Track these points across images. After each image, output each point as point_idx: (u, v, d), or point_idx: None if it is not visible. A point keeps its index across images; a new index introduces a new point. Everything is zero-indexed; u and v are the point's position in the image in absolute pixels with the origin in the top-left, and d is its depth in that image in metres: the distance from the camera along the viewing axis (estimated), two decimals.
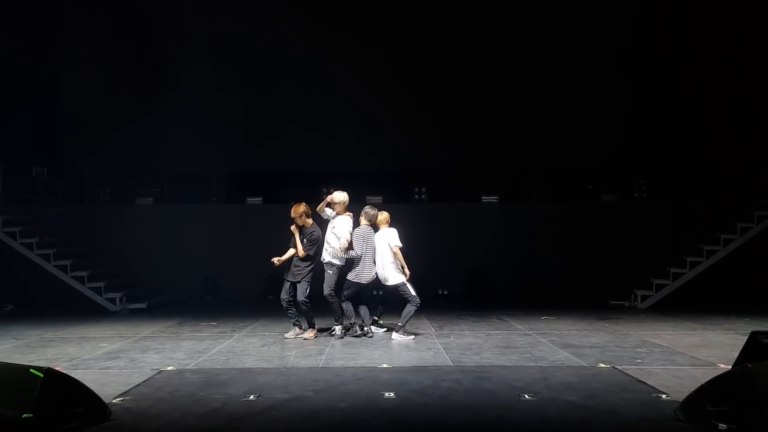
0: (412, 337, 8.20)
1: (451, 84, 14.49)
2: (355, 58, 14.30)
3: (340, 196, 8.32)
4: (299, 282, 8.16)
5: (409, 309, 8.14)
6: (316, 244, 8.20)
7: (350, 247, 8.18)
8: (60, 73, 14.96)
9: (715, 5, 13.61)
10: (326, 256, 8.23)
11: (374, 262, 8.22)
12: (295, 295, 8.20)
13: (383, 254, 8.22)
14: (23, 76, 13.35)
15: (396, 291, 8.27)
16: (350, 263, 8.24)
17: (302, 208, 8.21)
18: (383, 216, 8.46)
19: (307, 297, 8.12)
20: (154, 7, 14.40)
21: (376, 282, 8.38)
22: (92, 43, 14.37)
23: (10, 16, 12.91)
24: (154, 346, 7.89)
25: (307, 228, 8.23)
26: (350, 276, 8.22)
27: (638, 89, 14.37)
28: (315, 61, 14.39)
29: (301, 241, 8.16)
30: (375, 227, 8.39)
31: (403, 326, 8.20)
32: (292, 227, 8.27)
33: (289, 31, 14.29)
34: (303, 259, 8.15)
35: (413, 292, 8.17)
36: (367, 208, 8.39)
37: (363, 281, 8.22)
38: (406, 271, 8.22)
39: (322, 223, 8.46)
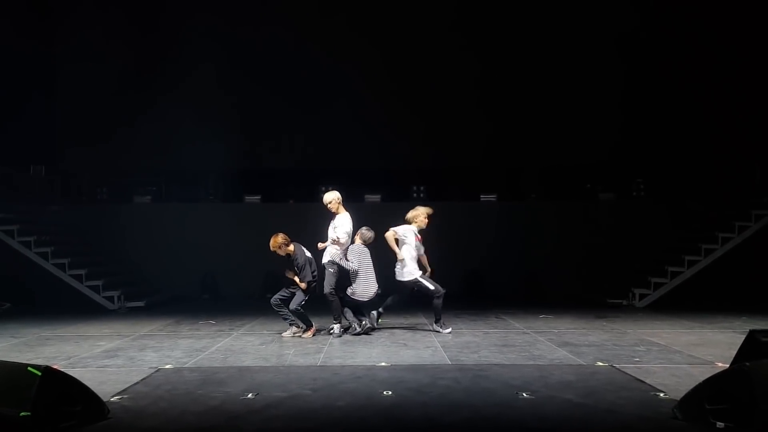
0: (449, 329, 8.45)
1: (450, 83, 14.50)
2: (354, 57, 14.30)
3: (330, 196, 8.34)
4: (298, 291, 8.16)
5: (436, 303, 8.38)
6: (305, 268, 8.11)
7: (345, 253, 8.20)
8: (58, 70, 14.94)
9: (713, 4, 13.62)
10: (327, 256, 8.22)
11: (371, 281, 8.23)
12: (286, 300, 8.19)
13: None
14: (21, 73, 13.33)
15: (412, 288, 8.42)
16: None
17: (279, 239, 8.06)
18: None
19: (301, 306, 8.11)
20: (152, 6, 14.39)
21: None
22: (91, 41, 14.38)
23: (8, 13, 12.88)
24: (152, 345, 7.89)
25: (292, 256, 8.14)
26: (348, 291, 8.24)
27: (636, 88, 14.39)
28: (313, 60, 14.39)
29: (295, 273, 8.10)
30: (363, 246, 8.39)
31: (441, 320, 8.49)
32: (288, 273, 8.17)
33: (289, 30, 14.29)
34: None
35: (431, 286, 8.35)
36: (363, 230, 8.37)
37: (360, 299, 8.26)
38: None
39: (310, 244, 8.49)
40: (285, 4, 14.53)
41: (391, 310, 8.80)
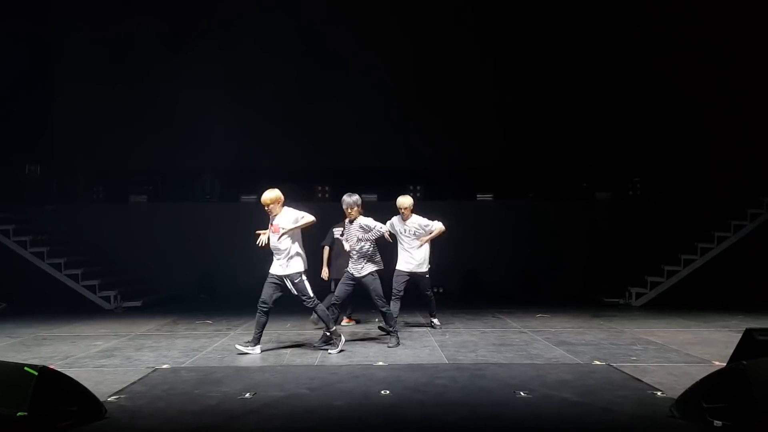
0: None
1: (447, 83, 14.49)
2: (352, 56, 14.27)
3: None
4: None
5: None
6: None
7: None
8: (54, 69, 14.89)
9: (709, 5, 13.65)
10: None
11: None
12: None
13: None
14: (17, 72, 13.26)
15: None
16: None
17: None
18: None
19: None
20: (152, 4, 14.36)
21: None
22: (88, 40, 14.34)
23: (5, 13, 12.84)
24: (149, 344, 7.88)
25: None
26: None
27: (634, 88, 14.42)
28: (311, 58, 14.38)
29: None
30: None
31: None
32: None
33: (287, 28, 14.26)
34: None
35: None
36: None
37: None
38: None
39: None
40: (285, 2, 14.51)
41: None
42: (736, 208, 12.35)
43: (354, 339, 8.03)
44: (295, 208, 7.29)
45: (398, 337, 7.69)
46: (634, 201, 13.98)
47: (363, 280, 7.41)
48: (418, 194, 14.02)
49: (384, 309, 7.55)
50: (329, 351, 7.15)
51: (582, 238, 13.38)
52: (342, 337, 7.32)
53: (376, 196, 13.44)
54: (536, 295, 12.73)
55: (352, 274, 7.47)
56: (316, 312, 7.22)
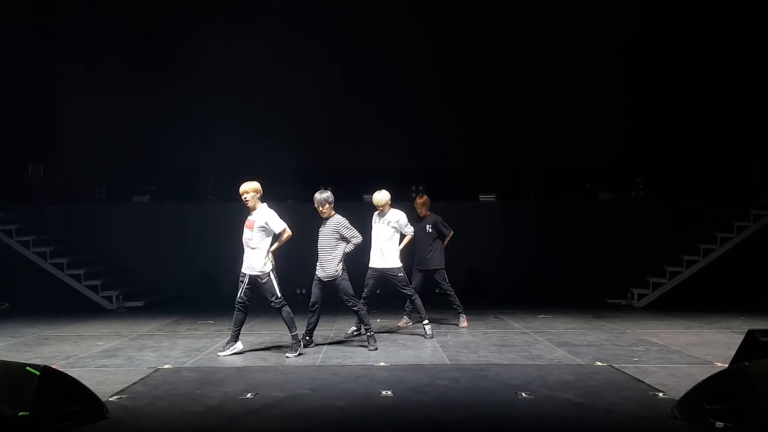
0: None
1: (449, 83, 14.51)
2: (359, 59, 14.27)
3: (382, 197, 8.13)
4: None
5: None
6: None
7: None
8: (57, 68, 14.92)
9: (713, 4, 13.63)
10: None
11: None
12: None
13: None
14: (20, 72, 13.29)
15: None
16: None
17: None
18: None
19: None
20: (152, 7, 14.39)
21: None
22: (91, 41, 14.38)
23: (8, 12, 12.87)
24: (150, 345, 7.89)
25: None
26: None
27: (636, 88, 14.42)
28: (312, 59, 14.39)
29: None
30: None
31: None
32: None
33: (292, 29, 14.28)
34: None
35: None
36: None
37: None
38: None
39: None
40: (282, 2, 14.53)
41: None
42: (739, 209, 12.33)
43: (355, 340, 8.03)
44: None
45: (373, 338, 7.52)
46: (636, 202, 13.98)
47: (330, 283, 7.26)
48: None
49: (356, 308, 7.41)
50: (287, 354, 7.01)
51: (584, 238, 13.38)
52: (301, 343, 7.16)
53: None
54: (538, 296, 12.71)
55: (319, 277, 7.31)
56: (281, 315, 7.00)
